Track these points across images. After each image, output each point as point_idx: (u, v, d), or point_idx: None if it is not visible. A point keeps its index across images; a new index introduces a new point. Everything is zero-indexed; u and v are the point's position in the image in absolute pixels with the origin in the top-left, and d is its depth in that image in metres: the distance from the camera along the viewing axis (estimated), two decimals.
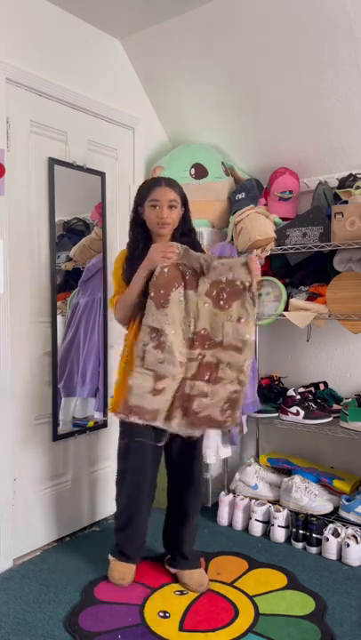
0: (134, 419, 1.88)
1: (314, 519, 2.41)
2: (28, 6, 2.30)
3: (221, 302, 1.91)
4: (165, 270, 1.92)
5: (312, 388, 2.72)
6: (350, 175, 2.50)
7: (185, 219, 2.05)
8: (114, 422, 2.77)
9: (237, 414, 1.92)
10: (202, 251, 2.06)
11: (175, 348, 1.89)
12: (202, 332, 1.92)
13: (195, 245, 2.04)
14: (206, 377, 1.90)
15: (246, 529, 2.59)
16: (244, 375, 1.91)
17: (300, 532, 2.42)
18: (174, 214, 1.99)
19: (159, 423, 1.90)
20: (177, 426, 1.89)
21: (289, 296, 2.61)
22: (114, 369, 2.75)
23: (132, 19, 2.53)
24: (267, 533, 2.54)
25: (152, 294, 1.91)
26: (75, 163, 2.51)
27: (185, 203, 2.04)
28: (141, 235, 2.04)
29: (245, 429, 2.65)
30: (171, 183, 2.00)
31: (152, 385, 1.88)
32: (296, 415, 2.56)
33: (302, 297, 2.59)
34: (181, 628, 1.82)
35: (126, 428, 2.05)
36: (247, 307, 1.91)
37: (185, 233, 2.05)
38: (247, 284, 1.90)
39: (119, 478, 2.14)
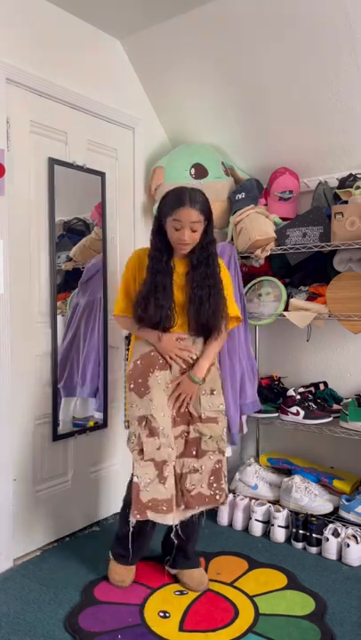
0: (153, 517, 1.92)
1: (314, 519, 2.41)
2: (28, 6, 2.30)
3: None
4: (139, 363, 2.01)
5: (312, 388, 2.72)
6: (350, 175, 2.50)
7: (207, 231, 2.00)
8: (114, 423, 2.78)
9: (224, 486, 2.02)
10: (216, 263, 2.04)
11: (168, 431, 1.96)
12: (181, 409, 2.00)
13: (209, 259, 2.01)
14: (193, 452, 2.00)
15: (246, 529, 2.59)
16: (223, 442, 2.03)
17: (300, 532, 2.42)
18: (196, 235, 1.95)
19: (171, 519, 1.93)
20: (177, 512, 1.96)
21: (289, 296, 2.61)
22: (114, 369, 2.76)
23: (132, 19, 2.53)
24: (267, 533, 2.54)
25: (131, 386, 2.00)
26: (75, 163, 2.51)
27: (209, 216, 1.98)
28: (164, 246, 2.00)
29: (245, 429, 2.65)
30: (195, 201, 1.91)
31: (156, 473, 1.94)
32: (296, 415, 2.56)
33: (302, 297, 2.59)
34: (181, 629, 1.82)
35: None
36: (216, 379, 2.06)
37: (204, 246, 2.00)
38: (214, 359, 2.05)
39: (126, 493, 2.13)
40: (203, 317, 1.98)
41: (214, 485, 2.00)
